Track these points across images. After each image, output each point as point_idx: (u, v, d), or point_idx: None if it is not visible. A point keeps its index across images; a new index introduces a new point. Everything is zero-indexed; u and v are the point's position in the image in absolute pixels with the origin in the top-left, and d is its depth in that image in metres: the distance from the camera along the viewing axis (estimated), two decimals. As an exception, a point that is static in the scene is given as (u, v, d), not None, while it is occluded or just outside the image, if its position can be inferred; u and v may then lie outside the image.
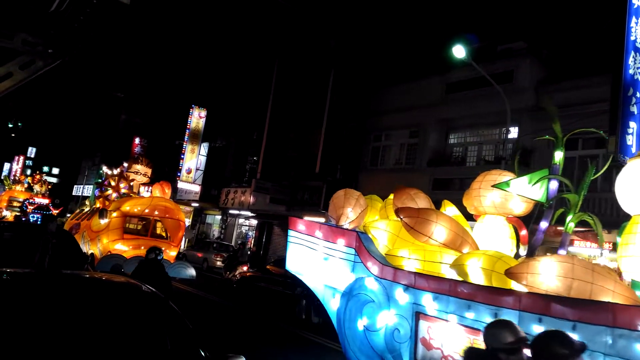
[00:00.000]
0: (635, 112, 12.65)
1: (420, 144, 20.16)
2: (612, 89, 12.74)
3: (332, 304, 6.60)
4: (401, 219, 5.93)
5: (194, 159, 33.94)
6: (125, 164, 19.83)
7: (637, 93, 12.67)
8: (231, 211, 31.11)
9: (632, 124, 12.56)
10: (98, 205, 18.03)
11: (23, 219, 25.31)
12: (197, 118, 33.93)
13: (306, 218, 25.17)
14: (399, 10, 23.00)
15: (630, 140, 12.52)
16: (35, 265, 7.44)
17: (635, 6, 12.70)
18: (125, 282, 4.78)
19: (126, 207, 16.05)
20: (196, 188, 33.90)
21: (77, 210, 21.74)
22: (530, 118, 16.69)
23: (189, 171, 33.64)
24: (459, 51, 15.00)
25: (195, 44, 38.59)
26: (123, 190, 17.98)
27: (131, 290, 4.38)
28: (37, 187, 34.88)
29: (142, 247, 14.50)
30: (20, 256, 7.32)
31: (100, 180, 19.95)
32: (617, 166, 12.68)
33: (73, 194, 58.67)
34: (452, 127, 19.71)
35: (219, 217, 32.74)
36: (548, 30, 18.28)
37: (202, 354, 3.75)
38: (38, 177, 36.14)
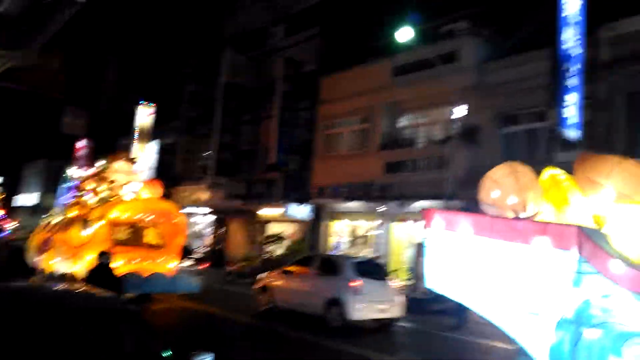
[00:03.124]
0: (574, 84, 13.22)
1: (372, 129, 20.37)
2: (551, 64, 13.27)
3: (535, 338, 4.47)
4: None
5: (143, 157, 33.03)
6: (102, 162, 17.03)
7: (575, 66, 13.23)
8: (186, 209, 30.55)
9: (572, 96, 13.12)
10: (74, 213, 15.76)
11: None
12: (145, 115, 32.97)
13: (264, 210, 24.92)
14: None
15: (570, 111, 13.10)
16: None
17: (567, -18, 13.21)
18: (80, 288, 4.63)
19: (113, 214, 13.74)
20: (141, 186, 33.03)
21: (44, 222, 18.85)
22: (475, 96, 17.14)
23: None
24: (403, 34, 15.18)
25: (139, 36, 37.33)
26: (103, 194, 15.61)
27: (87, 297, 4.25)
28: (-11, 199, 32.70)
29: (136, 260, 13.08)
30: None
31: (71, 184, 17.72)
32: (558, 138, 13.28)
33: (17, 204, 55.98)
34: (401, 109, 19.98)
35: (174, 216, 32.08)
36: (488, 9, 18.72)
37: (167, 353, 3.68)
38: (-10, 187, 33.94)
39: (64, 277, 13.64)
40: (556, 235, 4.31)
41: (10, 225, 33.90)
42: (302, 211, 21.49)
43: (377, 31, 20.88)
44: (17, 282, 6.39)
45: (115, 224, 13.69)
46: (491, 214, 5.05)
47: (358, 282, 11.14)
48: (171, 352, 3.67)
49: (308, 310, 11.88)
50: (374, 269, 12.08)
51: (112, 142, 37.15)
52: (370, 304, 11.16)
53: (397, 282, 12.71)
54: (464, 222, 4.85)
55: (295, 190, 22.10)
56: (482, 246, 4.69)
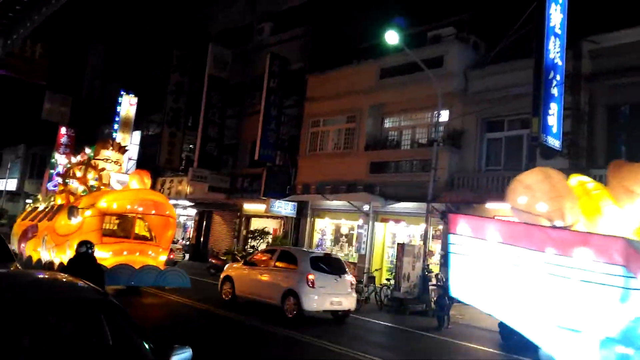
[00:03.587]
0: (556, 94, 13.47)
1: (357, 129, 20.49)
2: (535, 73, 13.49)
3: (574, 356, 4.10)
4: None
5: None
6: (88, 150, 16.78)
7: (557, 76, 13.49)
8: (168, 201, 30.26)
9: (553, 106, 13.38)
10: (60, 201, 15.33)
11: None
12: (128, 105, 32.57)
13: (247, 205, 24.80)
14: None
15: (552, 121, 13.35)
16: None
17: (554, -6, 13.43)
18: (60, 278, 4.61)
19: (103, 203, 13.19)
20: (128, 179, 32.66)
21: (29, 209, 18.48)
22: (460, 101, 17.35)
23: (121, 161, 32.32)
24: (391, 37, 15.27)
25: (125, 24, 36.85)
26: (92, 182, 15.18)
27: (67, 286, 4.23)
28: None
29: (125, 253, 12.91)
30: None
31: (59, 171, 17.35)
32: (540, 145, 13.54)
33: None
34: (387, 111, 20.14)
35: (155, 208, 31.79)
36: (475, 16, 18.96)
37: (147, 346, 3.70)
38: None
39: (51, 265, 13.31)
40: (600, 247, 3.90)
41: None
42: (286, 207, 21.52)
43: (365, 33, 20.99)
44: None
45: (104, 214, 13.25)
46: (521, 221, 4.68)
47: (313, 275, 11.74)
48: (149, 346, 3.69)
49: (267, 300, 12.46)
50: (331, 264, 12.61)
51: (94, 131, 36.71)
52: (324, 296, 11.79)
53: (352, 277, 13.10)
54: (492, 228, 4.45)
55: (280, 186, 22.12)
56: (512, 255, 4.27)
